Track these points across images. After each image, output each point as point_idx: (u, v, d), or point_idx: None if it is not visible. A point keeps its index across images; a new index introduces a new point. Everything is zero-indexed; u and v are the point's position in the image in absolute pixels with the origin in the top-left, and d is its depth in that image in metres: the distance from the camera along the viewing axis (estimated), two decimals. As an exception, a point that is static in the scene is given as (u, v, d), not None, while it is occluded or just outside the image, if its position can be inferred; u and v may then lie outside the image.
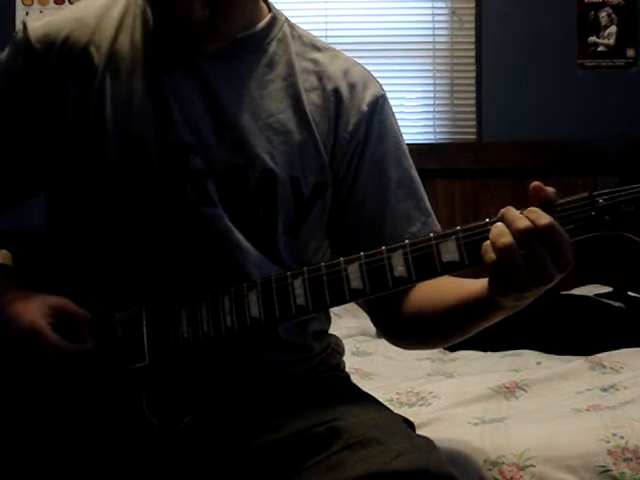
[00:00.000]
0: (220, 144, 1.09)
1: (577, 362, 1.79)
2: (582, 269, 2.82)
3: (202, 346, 1.05)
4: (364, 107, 1.15)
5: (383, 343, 1.96)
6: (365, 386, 1.25)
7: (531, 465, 1.24)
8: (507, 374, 1.71)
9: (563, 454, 1.25)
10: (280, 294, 1.00)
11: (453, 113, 3.15)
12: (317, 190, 1.13)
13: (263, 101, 1.12)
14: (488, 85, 3.09)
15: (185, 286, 1.06)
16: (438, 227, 1.17)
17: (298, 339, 1.16)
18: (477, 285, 1.01)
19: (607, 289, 2.60)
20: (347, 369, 1.28)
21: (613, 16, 3.07)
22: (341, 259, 0.99)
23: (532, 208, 0.90)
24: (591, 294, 2.46)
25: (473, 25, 3.14)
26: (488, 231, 0.92)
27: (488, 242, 0.91)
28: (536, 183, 0.92)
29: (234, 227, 1.08)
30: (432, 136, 3.16)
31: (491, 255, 0.90)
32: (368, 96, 1.16)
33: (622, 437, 1.27)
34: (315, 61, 1.16)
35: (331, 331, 1.26)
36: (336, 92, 1.15)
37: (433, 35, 3.16)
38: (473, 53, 3.14)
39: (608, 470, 1.22)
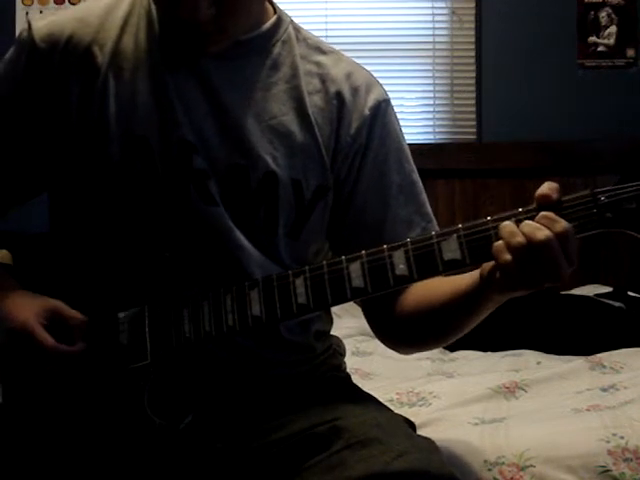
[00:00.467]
0: (222, 145, 1.09)
1: (577, 362, 1.80)
2: (582, 269, 2.80)
3: (204, 345, 1.05)
4: (366, 111, 1.15)
5: (383, 343, 1.97)
6: (365, 386, 1.25)
7: (531, 465, 1.24)
8: (507, 374, 1.71)
9: (563, 454, 1.25)
10: (282, 292, 1.01)
11: (453, 113, 3.15)
12: (318, 192, 1.13)
13: (266, 103, 1.12)
14: (488, 85, 3.09)
15: (187, 285, 1.06)
16: None
17: (300, 339, 1.16)
18: (466, 279, 1.01)
19: (607, 289, 2.60)
20: (347, 369, 1.28)
21: (613, 16, 3.07)
22: (343, 258, 0.99)
23: (544, 213, 0.90)
24: (591, 294, 2.46)
25: (473, 25, 3.14)
26: (490, 229, 0.92)
27: (500, 242, 0.91)
28: (542, 193, 0.91)
29: (235, 227, 1.09)
30: (432, 136, 3.16)
31: (506, 256, 0.90)
32: (371, 100, 1.16)
33: (622, 437, 1.27)
34: (319, 64, 1.16)
35: (331, 331, 1.26)
36: (339, 95, 1.15)
37: (433, 35, 3.16)
38: (473, 53, 3.14)
39: (608, 470, 1.22)
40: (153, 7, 1.11)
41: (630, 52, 3.07)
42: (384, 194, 1.16)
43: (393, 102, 1.21)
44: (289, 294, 1.00)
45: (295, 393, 1.13)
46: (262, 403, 1.11)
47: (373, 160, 1.15)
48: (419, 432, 1.20)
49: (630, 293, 2.47)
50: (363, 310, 1.21)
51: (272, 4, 1.18)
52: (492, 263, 0.93)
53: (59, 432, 1.07)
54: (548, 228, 0.89)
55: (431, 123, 3.16)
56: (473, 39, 3.14)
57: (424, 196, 1.19)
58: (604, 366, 1.76)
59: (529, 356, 1.99)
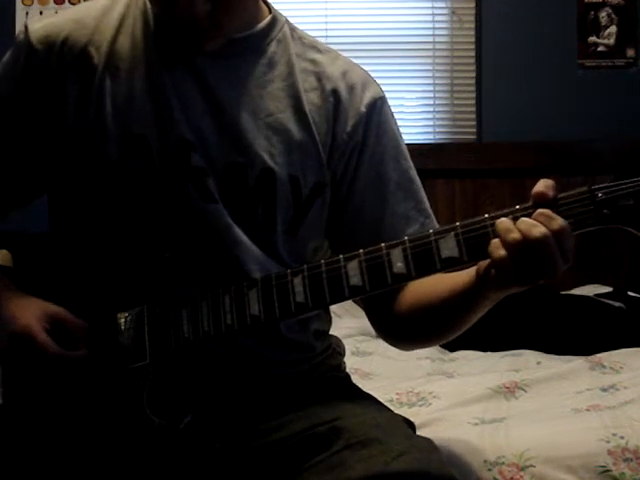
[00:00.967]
0: (220, 142, 1.09)
1: (577, 362, 1.79)
2: (582, 269, 2.82)
3: (203, 345, 1.05)
4: (362, 108, 1.15)
5: (383, 343, 1.94)
6: (365, 386, 1.25)
7: (531, 465, 1.24)
8: (507, 374, 1.71)
9: (563, 454, 1.25)
10: (280, 292, 1.01)
11: (453, 113, 3.15)
12: (316, 189, 1.13)
13: (262, 100, 1.12)
14: (488, 85, 3.09)
15: (186, 284, 1.06)
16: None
17: (300, 337, 1.16)
18: (464, 276, 1.01)
19: (607, 289, 2.60)
20: (347, 369, 1.28)
21: (613, 16, 3.07)
22: (341, 256, 0.99)
23: (541, 210, 0.90)
24: (591, 294, 2.46)
25: (473, 25, 3.14)
26: (487, 226, 0.92)
27: (496, 240, 0.91)
28: (538, 190, 0.91)
29: (234, 223, 1.09)
30: (432, 136, 3.16)
31: (501, 252, 0.90)
32: (367, 98, 1.16)
33: (622, 437, 1.27)
34: (314, 62, 1.17)
35: (331, 331, 1.26)
36: (335, 93, 1.15)
37: (433, 35, 3.16)
38: (473, 53, 3.14)
39: (608, 470, 1.22)
40: (149, 7, 1.11)
41: (630, 52, 3.07)
42: (382, 191, 1.16)
43: (393, 102, 1.22)
44: (287, 293, 1.00)
45: (295, 393, 1.13)
46: (262, 403, 1.11)
47: (370, 157, 1.16)
48: (419, 432, 1.20)
49: (630, 293, 2.47)
50: (364, 308, 1.22)
51: (267, 4, 1.19)
52: (488, 260, 0.93)
53: (59, 433, 1.07)
54: (544, 225, 0.89)
55: (431, 123, 3.16)
56: (473, 39, 3.14)
57: (422, 193, 1.20)
58: (604, 366, 1.76)
59: (529, 356, 1.99)
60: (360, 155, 1.15)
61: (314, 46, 1.19)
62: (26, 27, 1.13)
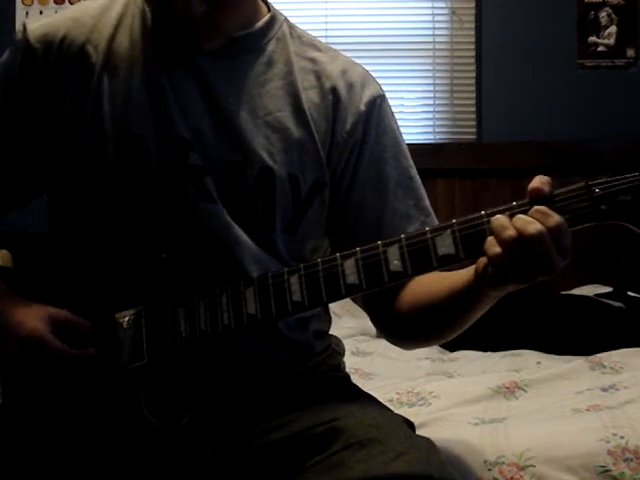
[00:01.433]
0: (218, 141, 1.09)
1: (577, 362, 1.79)
2: (582, 269, 2.82)
3: (200, 345, 1.05)
4: (362, 107, 1.15)
5: (383, 343, 1.97)
6: (365, 386, 1.25)
7: (531, 465, 1.24)
8: (507, 374, 1.71)
9: (563, 454, 1.25)
10: (276, 290, 1.01)
11: (453, 113, 3.15)
12: (315, 188, 1.13)
13: (261, 99, 1.12)
14: (488, 85, 3.09)
15: (185, 284, 1.06)
16: None
17: (299, 337, 1.16)
18: (463, 275, 1.01)
19: (607, 289, 2.59)
20: (347, 369, 1.28)
21: (613, 16, 3.07)
22: (337, 255, 0.99)
23: (537, 207, 0.90)
24: (591, 294, 2.46)
25: (473, 25, 3.14)
26: (484, 224, 0.92)
27: (492, 237, 0.90)
28: (533, 186, 0.91)
29: (233, 223, 1.09)
30: (432, 136, 3.16)
31: (496, 249, 0.90)
32: (366, 96, 1.16)
33: (622, 437, 1.27)
34: (313, 60, 1.17)
35: (331, 331, 1.26)
36: (334, 91, 1.15)
37: (433, 35, 3.16)
38: (473, 53, 3.14)
39: (608, 470, 1.22)
40: (146, 6, 1.11)
41: (630, 52, 3.07)
42: (381, 189, 1.16)
43: (393, 102, 1.21)
44: (284, 292, 1.00)
45: (294, 393, 1.13)
46: (261, 403, 1.11)
47: (369, 156, 1.15)
48: (419, 432, 1.20)
49: (630, 293, 2.47)
50: (365, 307, 1.21)
51: (266, 3, 1.19)
52: (486, 258, 0.93)
53: (57, 433, 1.07)
54: (540, 222, 0.88)
55: (431, 123, 3.16)
56: (473, 39, 3.14)
57: (422, 191, 1.19)
58: (604, 366, 1.76)
59: (529, 356, 1.99)
60: (360, 153, 1.15)
61: (313, 44, 1.19)
62: (24, 26, 1.13)
